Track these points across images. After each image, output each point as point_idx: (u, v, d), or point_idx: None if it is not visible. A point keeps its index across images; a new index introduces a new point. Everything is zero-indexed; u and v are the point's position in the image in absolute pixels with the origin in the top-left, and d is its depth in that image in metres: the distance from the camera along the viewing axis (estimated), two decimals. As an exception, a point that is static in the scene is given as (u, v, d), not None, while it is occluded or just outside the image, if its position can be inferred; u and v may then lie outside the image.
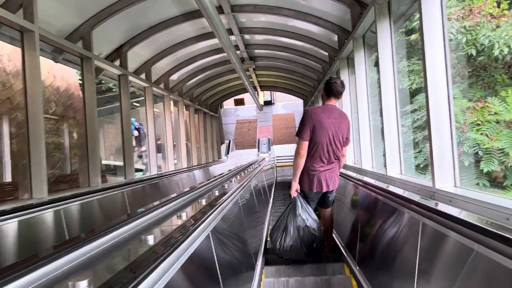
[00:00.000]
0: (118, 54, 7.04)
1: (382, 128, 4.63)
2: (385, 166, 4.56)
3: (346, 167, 6.98)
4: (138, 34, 7.10)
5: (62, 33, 5.59)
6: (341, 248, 4.54)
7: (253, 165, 9.12)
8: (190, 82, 11.70)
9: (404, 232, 2.70)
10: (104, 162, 12.43)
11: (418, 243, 2.28)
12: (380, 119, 6.43)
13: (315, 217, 4.18)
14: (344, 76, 7.18)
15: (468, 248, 1.69)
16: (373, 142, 5.79)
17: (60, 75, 7.47)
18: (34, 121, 4.33)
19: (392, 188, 3.28)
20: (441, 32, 3.05)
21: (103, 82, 11.73)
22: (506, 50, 6.14)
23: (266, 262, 4.39)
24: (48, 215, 4.16)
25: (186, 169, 10.53)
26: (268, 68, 12.28)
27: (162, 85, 9.80)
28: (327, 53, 8.38)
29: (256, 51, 10.65)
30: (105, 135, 15.08)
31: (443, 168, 2.99)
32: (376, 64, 6.13)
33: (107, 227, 1.87)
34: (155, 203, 2.76)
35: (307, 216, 4.11)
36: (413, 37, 7.91)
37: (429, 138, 3.11)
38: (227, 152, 18.26)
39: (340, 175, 5.49)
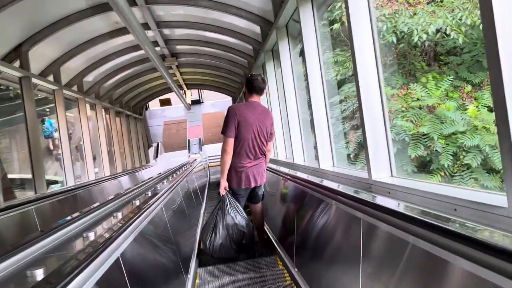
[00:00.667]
0: (17, 54, 6.21)
1: (312, 120, 4.47)
2: (317, 159, 4.37)
3: (278, 162, 6.82)
4: (40, 31, 6.31)
5: None
6: (273, 242, 4.53)
7: (184, 167, 8.80)
8: (108, 83, 10.88)
9: (335, 224, 2.70)
10: (16, 176, 11.21)
11: (351, 236, 2.30)
12: (309, 111, 6.34)
13: (244, 214, 4.19)
14: (270, 69, 6.96)
15: (405, 242, 1.64)
16: (303, 135, 5.61)
17: None
18: None
19: (326, 183, 3.14)
20: (368, 17, 2.84)
21: (10, 88, 10.53)
22: (424, 37, 6.27)
23: (200, 264, 4.36)
24: None
25: (109, 177, 9.75)
26: (193, 65, 11.79)
27: (75, 88, 8.95)
28: (251, 47, 8.11)
29: (178, 47, 10.12)
30: (18, 146, 13.70)
31: (378, 158, 2.80)
32: (302, 54, 5.96)
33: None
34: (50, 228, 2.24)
35: (235, 213, 4.14)
36: (336, 26, 7.91)
37: (362, 128, 2.91)
38: (156, 156, 17.43)
39: (272, 172, 5.43)
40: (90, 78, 9.67)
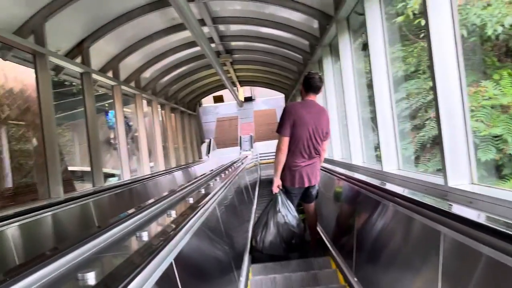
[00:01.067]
0: (79, 50, 6.39)
1: (373, 118, 4.19)
2: (378, 160, 4.09)
3: (333, 162, 6.54)
4: (100, 27, 6.45)
5: (9, 26, 4.91)
6: (326, 242, 4.46)
7: (235, 164, 8.72)
8: (164, 79, 11.05)
9: (405, 235, 2.43)
10: (77, 168, 11.70)
11: (401, 236, 2.26)
12: (369, 109, 6.01)
13: (295, 213, 4.19)
14: (327, 64, 6.69)
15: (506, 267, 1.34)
16: (363, 135, 5.31)
17: (13, 76, 6.76)
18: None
19: (394, 188, 2.75)
20: (449, 4, 2.50)
21: (73, 84, 11.01)
22: (499, 29, 5.72)
23: (253, 260, 4.36)
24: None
25: (164, 171, 9.90)
26: (246, 61, 11.72)
27: (133, 84, 9.14)
28: (307, 42, 7.87)
29: (233, 43, 10.08)
30: (79, 140, 14.33)
31: (456, 162, 2.50)
32: (365, 48, 5.64)
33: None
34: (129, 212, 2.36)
35: (287, 212, 4.13)
36: (399, 19, 7.49)
37: (438, 128, 2.62)
38: (208, 152, 17.61)
39: (327, 171, 5.23)
40: (147, 74, 9.85)
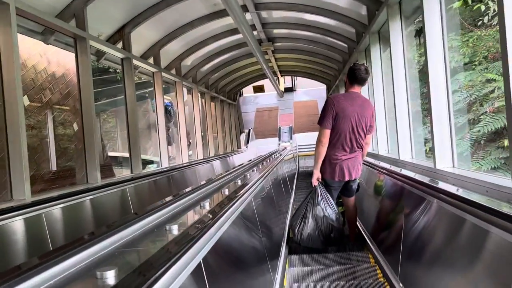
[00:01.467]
0: (120, 35, 6.35)
1: (426, 110, 3.83)
2: (431, 156, 3.73)
3: (378, 157, 6.17)
4: (141, 13, 6.38)
5: (51, 10, 4.90)
6: (365, 237, 4.40)
7: (274, 155, 8.62)
8: (205, 68, 10.96)
9: (431, 221, 2.51)
10: (117, 154, 11.87)
11: (448, 234, 2.18)
12: (420, 102, 5.59)
13: (334, 207, 4.13)
14: (375, 53, 6.29)
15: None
16: (412, 129, 4.93)
17: (56, 60, 6.83)
18: (11, 109, 3.67)
19: (448, 188, 2.53)
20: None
21: (118, 70, 11.13)
22: None
23: (290, 251, 4.36)
24: (31, 219, 3.51)
25: (202, 160, 9.85)
26: (288, 50, 11.41)
27: (173, 71, 9.10)
28: (353, 29, 7.49)
29: (275, 31, 9.81)
30: (121, 127, 14.58)
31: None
32: (418, 34, 5.23)
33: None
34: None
35: (326, 205, 4.08)
36: (455, 5, 6.96)
37: (508, 122, 2.27)
38: (247, 142, 17.50)
39: (371, 167, 5.05)
40: (188, 62, 9.78)
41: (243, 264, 2.26)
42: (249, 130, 18.47)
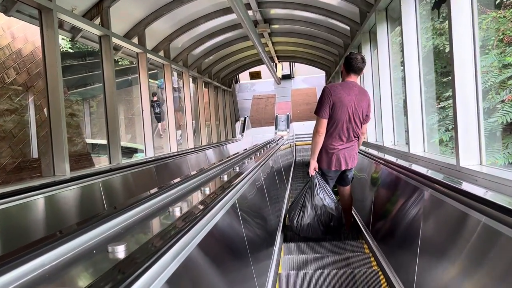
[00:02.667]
0: (98, 10, 5.68)
1: (453, 96, 3.21)
2: (456, 154, 3.13)
3: (382, 149, 5.61)
4: (121, -16, 5.70)
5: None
6: (360, 225, 4.45)
7: (270, 144, 8.10)
8: (197, 51, 10.28)
9: (426, 212, 2.50)
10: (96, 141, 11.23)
11: (442, 225, 2.22)
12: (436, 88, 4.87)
13: (333, 196, 4.14)
14: (382, 34, 5.64)
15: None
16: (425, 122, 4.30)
17: (23, 36, 6.15)
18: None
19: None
20: None
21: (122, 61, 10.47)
22: None
23: (285, 239, 4.42)
24: None
25: (192, 150, 9.24)
26: (286, 33, 10.74)
27: (161, 53, 8.43)
28: (357, 9, 6.83)
29: (272, 11, 9.13)
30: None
31: None
32: (437, 6, 4.58)
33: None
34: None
35: (324, 195, 4.09)
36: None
37: None
38: (243, 130, 16.84)
39: (366, 156, 4.95)
40: (178, 44, 9.10)
41: (238, 251, 2.29)
42: (245, 118, 17.78)
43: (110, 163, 5.78)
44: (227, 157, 5.13)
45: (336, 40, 9.88)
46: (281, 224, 4.48)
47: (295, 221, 4.13)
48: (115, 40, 6.05)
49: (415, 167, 3.05)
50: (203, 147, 10.19)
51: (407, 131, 4.43)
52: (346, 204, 4.44)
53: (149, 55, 7.49)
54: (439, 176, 2.48)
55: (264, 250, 3.10)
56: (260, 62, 13.92)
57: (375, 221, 3.95)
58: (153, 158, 6.85)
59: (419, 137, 4.26)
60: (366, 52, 6.68)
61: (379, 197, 4.05)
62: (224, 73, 14.21)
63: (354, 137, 4.02)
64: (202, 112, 11.12)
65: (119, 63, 10.91)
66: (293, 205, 4.24)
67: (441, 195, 2.23)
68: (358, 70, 3.99)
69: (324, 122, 3.92)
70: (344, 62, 4.05)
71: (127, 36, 6.88)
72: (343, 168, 4.07)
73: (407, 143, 4.42)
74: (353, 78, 4.02)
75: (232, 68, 14.24)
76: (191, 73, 10.47)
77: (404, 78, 4.36)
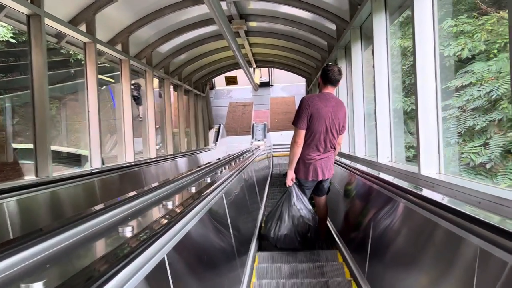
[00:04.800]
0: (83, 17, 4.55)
1: (416, 110, 3.23)
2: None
3: (354, 159, 5.71)
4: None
5: None
6: (334, 235, 4.53)
7: (245, 154, 7.65)
8: (164, 48, 9.17)
9: (400, 222, 2.60)
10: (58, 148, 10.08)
11: (414, 234, 2.27)
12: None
13: (309, 207, 4.18)
14: (356, 50, 5.60)
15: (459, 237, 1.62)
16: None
17: None
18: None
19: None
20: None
21: (71, 52, 9.22)
22: None
23: (260, 248, 4.44)
24: None
25: (154, 160, 8.06)
26: (265, 33, 9.73)
27: (119, 47, 7.27)
28: (347, 6, 5.88)
29: (249, 6, 8.12)
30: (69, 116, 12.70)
31: None
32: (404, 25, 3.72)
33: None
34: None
35: (301, 206, 4.13)
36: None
37: None
38: (216, 139, 15.69)
39: (342, 166, 4.98)
40: (140, 38, 7.95)
41: (211, 261, 2.26)
42: (220, 125, 16.64)
43: (36, 175, 4.58)
44: (198, 167, 4.76)
45: (319, 43, 8.94)
46: (256, 233, 4.51)
47: (272, 232, 4.13)
48: (48, 21, 4.88)
49: (387, 178, 3.12)
50: (167, 157, 9.02)
51: (376, 142, 4.58)
52: (322, 214, 4.48)
53: (100, 47, 6.33)
54: (410, 186, 2.53)
55: (237, 259, 3.06)
56: (236, 66, 12.89)
57: (348, 231, 4.05)
58: (99, 170, 5.66)
59: (386, 148, 4.41)
60: (341, 66, 6.67)
61: (352, 206, 4.19)
62: (197, 76, 13.09)
63: (331, 147, 4.08)
64: (169, 117, 9.95)
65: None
66: (270, 216, 4.26)
67: (412, 204, 2.30)
68: (335, 82, 4.02)
69: (302, 133, 3.96)
70: (321, 74, 4.09)
71: (73, 23, 5.73)
72: (320, 178, 4.11)
73: (376, 154, 4.55)
74: (330, 90, 4.06)
75: (205, 71, 13.13)
76: (157, 73, 9.31)
77: (374, 92, 4.48)
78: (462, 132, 5.41)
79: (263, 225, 4.53)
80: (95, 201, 4.93)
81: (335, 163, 4.72)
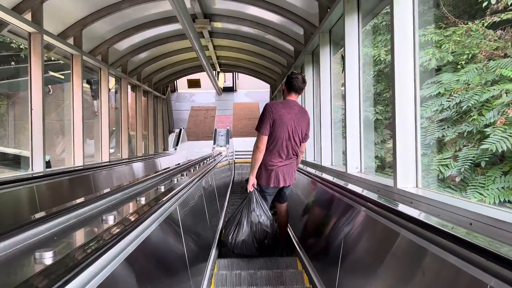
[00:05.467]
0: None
1: (392, 120, 3.04)
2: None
3: (320, 168, 5.55)
4: None
5: None
6: (294, 242, 4.52)
7: (206, 160, 7.31)
8: (122, 46, 8.61)
9: (358, 230, 2.64)
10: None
11: (373, 243, 2.31)
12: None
13: (269, 213, 4.18)
14: (325, 55, 5.40)
15: (423, 248, 1.64)
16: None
17: None
18: None
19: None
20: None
21: (21, 46, 8.46)
22: None
23: (220, 255, 4.44)
24: None
25: (106, 164, 7.48)
26: (230, 35, 9.36)
27: (71, 41, 6.69)
28: (316, 9, 5.62)
29: (215, 6, 7.74)
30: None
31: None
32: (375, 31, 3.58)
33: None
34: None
35: (261, 212, 4.13)
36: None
37: None
38: (176, 144, 15.10)
39: (302, 173, 5.03)
40: (95, 33, 7.39)
41: (167, 269, 2.21)
42: (180, 130, 16.05)
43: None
44: (155, 172, 4.54)
45: (285, 48, 8.69)
46: (216, 241, 4.48)
47: (230, 237, 4.13)
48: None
49: (350, 186, 3.11)
50: (122, 161, 8.43)
51: (345, 152, 4.44)
52: (282, 221, 4.48)
53: (48, 38, 5.75)
54: (372, 195, 2.51)
55: (196, 266, 3.05)
56: (200, 68, 12.44)
57: (308, 238, 4.06)
58: (40, 174, 5.07)
59: (356, 158, 4.23)
60: (308, 72, 6.81)
61: (313, 214, 4.22)
62: (158, 77, 12.52)
63: (293, 154, 4.10)
64: (125, 119, 9.36)
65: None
66: (230, 221, 4.26)
67: (373, 213, 2.29)
68: (298, 89, 4.07)
69: (265, 138, 3.97)
70: (285, 81, 4.13)
71: (17, 10, 5.13)
72: (282, 184, 4.11)
73: (345, 164, 4.38)
74: (293, 97, 4.10)
75: (167, 72, 12.58)
76: (113, 71, 8.73)
77: (344, 99, 4.35)
78: (431, 144, 5.26)
79: (223, 231, 4.53)
80: (25, 213, 4.35)
81: (298, 171, 4.76)
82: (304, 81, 4.09)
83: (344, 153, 4.45)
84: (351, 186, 3.12)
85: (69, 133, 6.61)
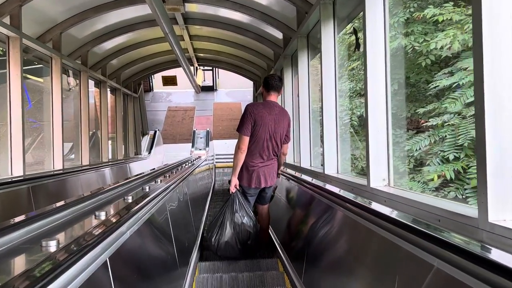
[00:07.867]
0: None
1: (365, 120, 3.07)
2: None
3: (299, 169, 5.46)
4: None
5: None
6: (276, 244, 4.55)
7: (183, 165, 6.74)
8: (82, 33, 7.29)
9: (338, 230, 2.69)
10: None
11: (351, 242, 2.36)
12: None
13: (251, 214, 4.23)
14: (303, 59, 5.42)
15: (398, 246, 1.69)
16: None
17: None
18: None
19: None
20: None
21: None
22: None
23: (201, 258, 4.47)
24: None
25: (60, 172, 6.16)
26: (208, 21, 8.10)
27: (7, 20, 5.33)
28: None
29: (188, -18, 6.51)
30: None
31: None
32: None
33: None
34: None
35: (243, 213, 4.16)
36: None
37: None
38: (151, 147, 13.75)
39: (282, 175, 5.06)
40: (43, 14, 6.06)
41: (148, 272, 2.24)
42: (155, 132, 14.67)
43: None
44: (126, 179, 4.11)
45: (273, 38, 7.51)
46: (198, 244, 4.47)
47: (213, 239, 4.13)
48: None
49: (328, 187, 3.20)
50: (80, 169, 7.10)
51: (322, 153, 4.44)
52: (263, 222, 4.50)
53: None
54: (350, 196, 2.58)
55: (177, 270, 3.04)
56: (175, 63, 11.16)
57: (288, 240, 4.11)
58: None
59: (333, 159, 4.19)
60: (287, 76, 6.92)
61: (294, 215, 4.28)
62: (127, 72, 11.16)
63: (274, 155, 4.18)
64: (86, 119, 8.02)
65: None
66: (212, 223, 4.26)
67: (352, 214, 2.33)
68: (277, 88, 4.18)
69: (246, 139, 4.03)
70: (263, 84, 4.27)
71: None
72: (263, 185, 4.17)
73: (322, 165, 4.39)
74: (273, 98, 4.20)
75: (138, 67, 11.24)
76: (68, 63, 7.38)
77: (322, 102, 4.38)
78: (465, 145, 4.20)
79: (205, 234, 4.60)
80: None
81: (280, 172, 4.79)
82: (280, 80, 4.26)
83: (322, 154, 4.48)
84: (328, 186, 3.22)
85: (5, 136, 5.26)
